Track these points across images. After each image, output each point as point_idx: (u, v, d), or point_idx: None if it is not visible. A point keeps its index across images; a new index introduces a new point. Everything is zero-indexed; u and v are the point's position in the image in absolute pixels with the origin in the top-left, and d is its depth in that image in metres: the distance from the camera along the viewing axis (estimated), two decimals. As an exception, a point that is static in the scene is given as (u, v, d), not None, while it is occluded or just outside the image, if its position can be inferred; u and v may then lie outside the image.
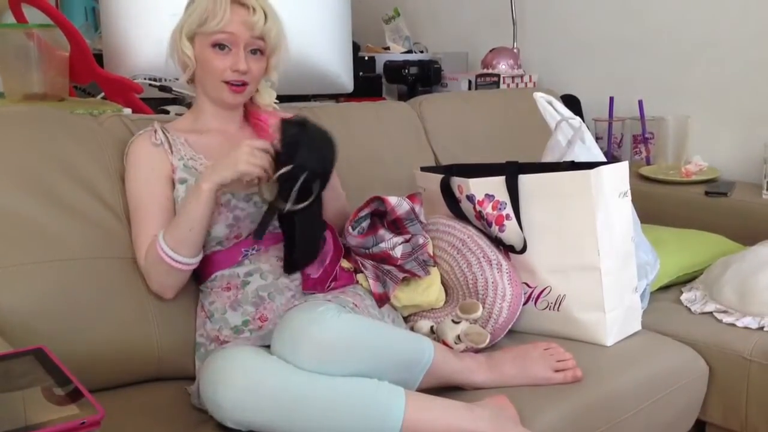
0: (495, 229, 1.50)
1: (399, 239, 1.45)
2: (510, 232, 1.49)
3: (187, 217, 1.29)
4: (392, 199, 1.45)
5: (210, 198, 1.28)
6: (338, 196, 1.52)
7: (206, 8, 1.37)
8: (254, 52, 1.41)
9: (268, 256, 1.39)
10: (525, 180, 1.46)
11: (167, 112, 1.94)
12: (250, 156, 1.25)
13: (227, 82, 1.40)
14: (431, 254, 1.52)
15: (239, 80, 1.40)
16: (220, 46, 1.38)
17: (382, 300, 1.41)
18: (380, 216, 1.49)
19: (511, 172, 1.47)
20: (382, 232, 1.46)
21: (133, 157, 1.42)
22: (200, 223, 1.30)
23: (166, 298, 1.38)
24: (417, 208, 1.48)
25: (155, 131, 1.44)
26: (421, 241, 1.49)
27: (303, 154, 1.26)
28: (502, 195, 1.48)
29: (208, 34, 1.38)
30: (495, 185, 1.49)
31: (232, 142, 1.47)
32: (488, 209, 1.50)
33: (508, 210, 1.48)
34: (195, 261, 1.33)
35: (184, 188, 1.38)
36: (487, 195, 1.50)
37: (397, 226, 1.47)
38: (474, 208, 1.52)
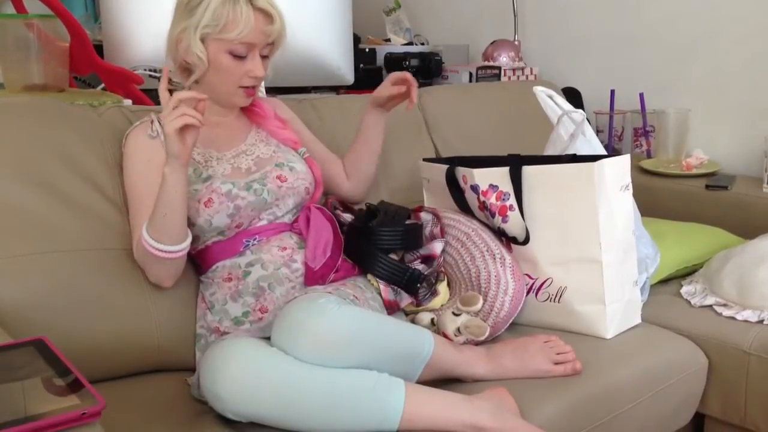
0: (498, 219, 1.50)
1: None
2: (513, 223, 1.49)
3: (159, 203, 1.27)
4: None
5: (173, 179, 1.25)
6: (331, 159, 1.63)
7: (225, 14, 1.33)
8: (264, 54, 1.42)
9: (270, 246, 1.39)
10: (529, 171, 1.46)
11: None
12: (170, 116, 1.23)
13: (242, 87, 1.41)
14: (442, 268, 1.53)
15: (254, 84, 1.42)
16: (238, 55, 1.37)
17: (392, 307, 1.42)
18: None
19: (515, 163, 1.47)
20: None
21: (129, 150, 1.42)
22: (173, 208, 1.27)
23: (165, 287, 1.37)
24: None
25: (151, 122, 1.43)
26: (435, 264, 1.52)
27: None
28: (506, 185, 1.48)
29: (226, 41, 1.35)
30: (499, 176, 1.49)
31: (230, 132, 1.47)
32: (492, 199, 1.50)
33: (512, 201, 1.48)
34: (178, 248, 1.30)
35: None
36: (491, 185, 1.50)
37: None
38: (478, 198, 1.52)
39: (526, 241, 1.47)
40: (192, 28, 1.35)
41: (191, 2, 1.36)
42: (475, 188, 1.52)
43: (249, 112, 1.52)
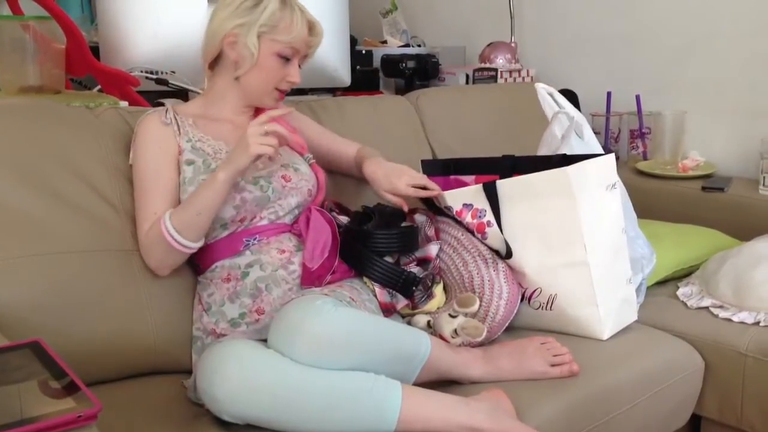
0: (478, 236, 1.49)
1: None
2: (493, 239, 1.48)
3: (198, 201, 1.31)
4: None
5: (225, 188, 1.31)
6: (345, 143, 1.67)
7: (282, 17, 1.42)
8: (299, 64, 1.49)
9: (269, 248, 1.39)
10: (503, 185, 1.44)
11: (163, 105, 1.93)
12: (260, 138, 1.29)
13: (277, 89, 1.47)
14: (438, 269, 1.53)
15: (288, 89, 1.49)
16: (284, 56, 1.44)
17: (388, 310, 1.42)
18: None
19: (488, 184, 1.45)
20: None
21: (142, 135, 1.43)
22: (209, 210, 1.32)
23: (160, 276, 1.39)
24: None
25: (166, 111, 1.46)
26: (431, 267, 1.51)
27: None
28: (481, 202, 1.47)
29: (278, 42, 1.43)
30: (472, 194, 1.48)
31: (241, 130, 1.48)
32: (468, 218, 1.49)
33: (489, 217, 1.47)
34: (194, 246, 1.34)
35: (191, 169, 1.39)
36: (464, 204, 1.49)
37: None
38: (454, 218, 1.52)
39: (509, 255, 1.46)
40: (250, 25, 1.41)
41: (246, 2, 1.42)
42: (449, 209, 1.52)
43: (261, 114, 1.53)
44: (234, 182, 1.33)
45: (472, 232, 1.50)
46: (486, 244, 1.49)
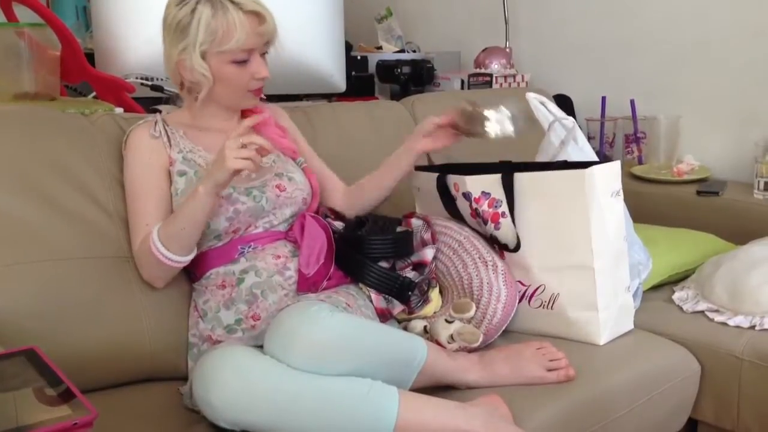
0: (491, 226, 1.50)
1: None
2: (505, 230, 1.49)
3: (182, 216, 1.30)
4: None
5: (206, 201, 1.28)
6: (326, 174, 1.61)
7: (219, 26, 1.34)
8: (262, 53, 1.42)
9: (265, 255, 1.39)
10: (521, 178, 1.46)
11: (159, 111, 1.93)
12: (236, 151, 1.24)
13: (250, 90, 1.43)
14: (434, 274, 1.53)
15: (261, 85, 1.43)
16: (240, 61, 1.38)
17: (384, 315, 1.42)
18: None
19: (506, 170, 1.47)
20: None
21: (131, 147, 1.43)
22: (193, 224, 1.30)
23: (155, 287, 1.38)
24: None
25: (155, 123, 1.44)
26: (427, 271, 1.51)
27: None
28: (499, 192, 1.48)
29: (225, 53, 1.36)
30: (491, 183, 1.49)
31: None
32: (484, 206, 1.50)
33: (504, 208, 1.48)
34: (184, 259, 1.33)
35: (183, 180, 1.38)
36: (483, 192, 1.50)
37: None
38: (470, 205, 1.52)
39: (517, 248, 1.47)
40: (190, 47, 1.35)
41: (181, 22, 1.35)
42: (467, 195, 1.53)
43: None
44: (217, 195, 1.29)
45: (486, 222, 1.51)
46: (495, 236, 1.50)
